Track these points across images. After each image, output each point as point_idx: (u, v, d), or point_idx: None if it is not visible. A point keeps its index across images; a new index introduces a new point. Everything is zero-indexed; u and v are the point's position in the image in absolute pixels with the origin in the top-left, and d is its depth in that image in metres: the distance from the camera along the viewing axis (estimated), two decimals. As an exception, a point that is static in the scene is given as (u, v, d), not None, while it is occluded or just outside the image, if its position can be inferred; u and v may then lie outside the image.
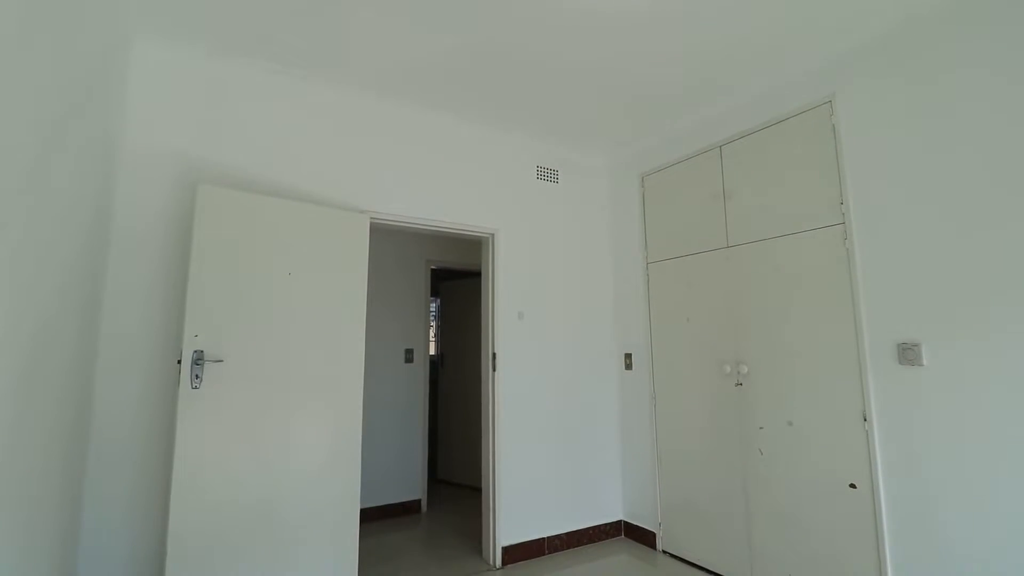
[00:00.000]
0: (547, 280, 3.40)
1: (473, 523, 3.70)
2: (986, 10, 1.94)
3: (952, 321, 1.97)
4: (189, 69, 2.42)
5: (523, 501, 3.08)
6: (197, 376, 2.09)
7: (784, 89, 2.65)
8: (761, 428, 2.62)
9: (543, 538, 3.13)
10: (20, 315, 1.37)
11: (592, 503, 3.35)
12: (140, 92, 2.31)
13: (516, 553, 3.01)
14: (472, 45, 2.37)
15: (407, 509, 3.94)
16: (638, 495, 3.35)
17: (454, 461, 4.83)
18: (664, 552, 3.12)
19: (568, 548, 3.20)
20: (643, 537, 3.27)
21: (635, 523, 3.35)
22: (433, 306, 6.22)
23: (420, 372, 4.16)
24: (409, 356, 4.12)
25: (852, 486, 2.23)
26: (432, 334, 6.26)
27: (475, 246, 4.69)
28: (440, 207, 3.04)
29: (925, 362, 2.04)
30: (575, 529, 3.25)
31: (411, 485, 3.99)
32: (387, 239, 4.15)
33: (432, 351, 5.95)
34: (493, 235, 3.24)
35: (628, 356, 3.50)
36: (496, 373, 3.11)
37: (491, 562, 2.98)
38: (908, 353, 2.08)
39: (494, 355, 3.13)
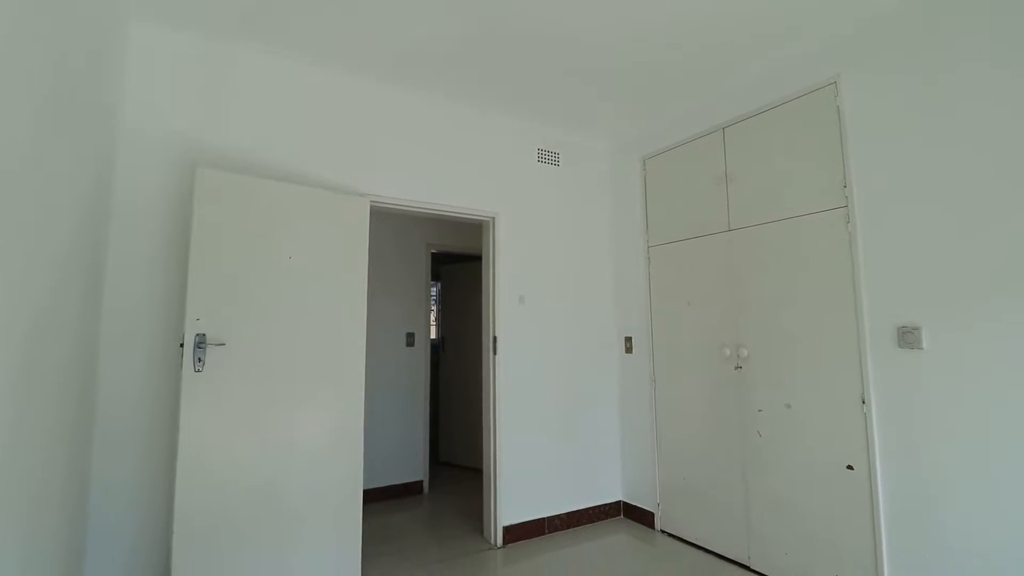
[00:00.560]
0: (548, 264, 3.39)
1: (474, 503, 3.76)
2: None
3: (952, 304, 1.97)
4: (188, 52, 2.39)
5: (523, 482, 3.12)
6: (200, 359, 2.10)
7: (788, 70, 2.61)
8: (760, 411, 2.64)
9: (543, 518, 3.17)
10: (24, 284, 1.38)
11: (592, 484, 3.39)
12: (139, 73, 2.29)
13: (517, 532, 3.06)
14: (472, 24, 2.33)
15: (409, 490, 3.99)
16: (637, 476, 3.39)
17: (455, 443, 4.88)
18: (662, 531, 3.17)
19: (568, 528, 3.25)
20: (642, 517, 3.32)
21: (634, 503, 3.39)
22: (434, 290, 6.23)
23: (421, 356, 4.18)
24: (410, 340, 4.14)
25: (849, 467, 2.26)
26: (433, 318, 6.29)
27: (476, 230, 4.68)
28: (440, 190, 3.02)
29: (925, 345, 2.04)
30: (575, 509, 3.30)
31: (413, 466, 4.04)
32: (387, 223, 4.13)
33: (433, 335, 5.98)
34: (494, 218, 3.22)
35: (628, 339, 3.51)
36: (497, 356, 3.12)
37: (492, 541, 3.03)
38: (908, 336, 2.09)
39: (495, 338, 3.14)
